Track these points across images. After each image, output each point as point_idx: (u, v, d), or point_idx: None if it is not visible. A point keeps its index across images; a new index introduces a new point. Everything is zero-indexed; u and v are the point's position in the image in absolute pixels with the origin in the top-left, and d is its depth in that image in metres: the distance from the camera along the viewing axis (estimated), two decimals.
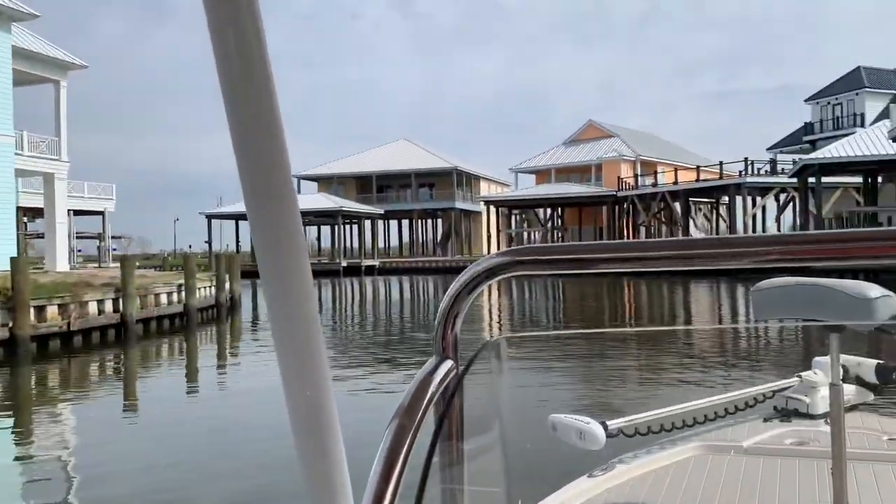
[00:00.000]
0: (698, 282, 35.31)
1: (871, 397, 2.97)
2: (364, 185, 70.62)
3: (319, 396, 0.65)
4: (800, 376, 2.99)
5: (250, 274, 55.02)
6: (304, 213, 58.38)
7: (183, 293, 20.08)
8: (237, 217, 61.63)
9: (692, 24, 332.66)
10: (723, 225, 52.22)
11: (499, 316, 23.23)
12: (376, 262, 59.78)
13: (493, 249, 56.12)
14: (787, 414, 3.01)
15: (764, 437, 2.80)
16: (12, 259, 13.70)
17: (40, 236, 46.20)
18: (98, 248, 38.36)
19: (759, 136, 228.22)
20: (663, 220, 52.59)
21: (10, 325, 13.24)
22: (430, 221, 73.72)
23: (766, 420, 2.99)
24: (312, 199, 60.69)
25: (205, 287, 21.46)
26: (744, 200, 43.50)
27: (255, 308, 29.03)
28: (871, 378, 2.85)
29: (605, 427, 2.22)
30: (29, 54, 30.30)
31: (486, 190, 72.72)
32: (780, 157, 51.06)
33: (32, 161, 31.11)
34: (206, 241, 60.61)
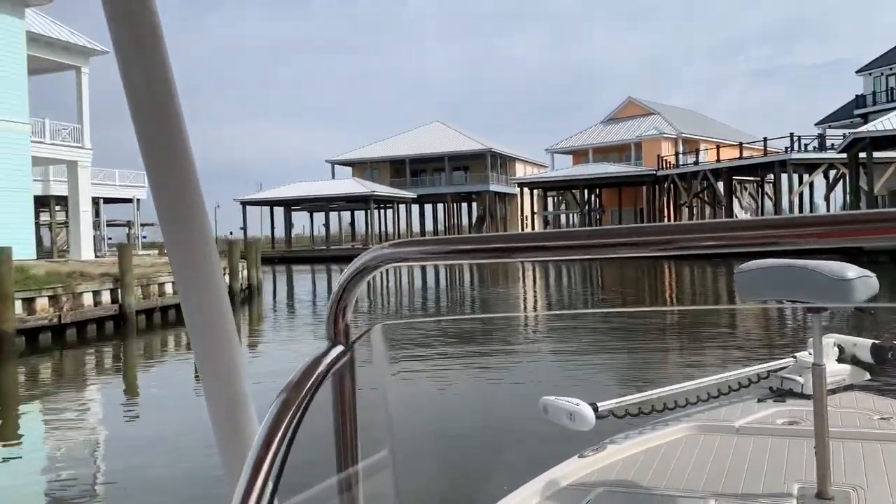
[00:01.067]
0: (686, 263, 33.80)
1: (866, 377, 2.97)
2: (398, 169, 69.69)
3: (233, 385, 0.76)
4: (794, 356, 2.99)
5: (274, 260, 54.83)
6: (335, 199, 57.82)
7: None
8: (272, 203, 61.40)
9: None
10: (769, 203, 49.96)
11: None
12: None
13: None
14: (781, 394, 2.98)
15: (756, 416, 2.79)
16: None
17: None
18: (127, 235, 38.22)
19: (811, 113, 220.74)
20: (706, 199, 50.54)
21: None
22: (465, 205, 72.54)
23: (760, 400, 2.96)
24: (343, 184, 60.10)
25: None
26: (789, 178, 41.38)
27: (275, 295, 28.37)
28: (867, 358, 2.87)
29: (596, 409, 2.25)
30: (49, 41, 29.95)
31: (521, 172, 71.13)
32: (829, 132, 48.58)
33: (55, 149, 30.85)
34: (241, 228, 60.51)
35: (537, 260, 0.93)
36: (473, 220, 72.23)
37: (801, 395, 2.89)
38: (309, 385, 0.85)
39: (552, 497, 2.26)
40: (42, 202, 43.55)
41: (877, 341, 2.89)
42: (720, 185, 46.98)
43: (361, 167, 69.92)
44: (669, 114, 62.63)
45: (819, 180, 44.48)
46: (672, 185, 51.33)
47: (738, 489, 2.24)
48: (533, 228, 59.27)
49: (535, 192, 61.35)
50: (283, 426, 0.79)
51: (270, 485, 0.76)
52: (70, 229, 32.07)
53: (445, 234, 70.12)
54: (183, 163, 0.77)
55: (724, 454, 2.50)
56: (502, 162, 69.41)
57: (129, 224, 41.94)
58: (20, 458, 7.78)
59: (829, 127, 53.98)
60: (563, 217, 63.45)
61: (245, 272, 23.67)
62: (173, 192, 0.77)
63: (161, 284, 17.54)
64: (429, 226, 74.29)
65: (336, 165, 71.20)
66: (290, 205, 60.50)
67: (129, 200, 47.08)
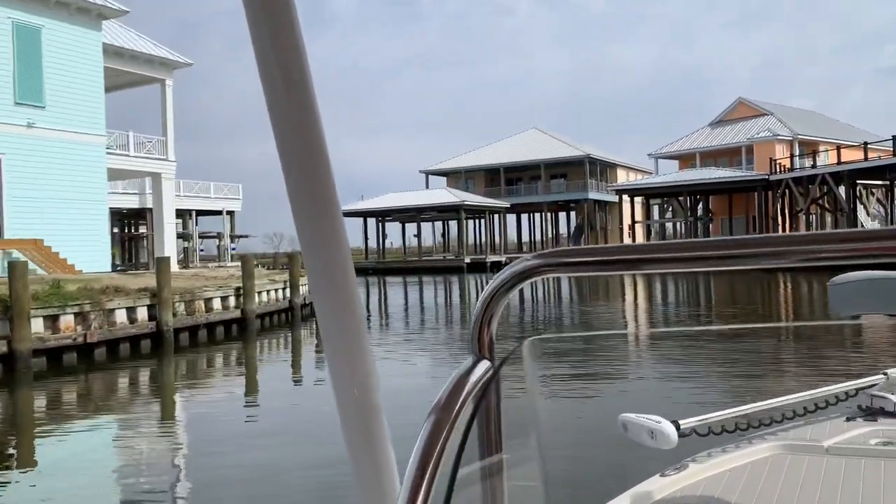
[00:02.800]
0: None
1: None
2: (493, 178, 68.03)
3: (367, 395, 0.76)
4: (885, 373, 2.89)
5: (368, 271, 54.53)
6: (426, 209, 56.74)
7: (241, 297, 18.62)
8: (364, 214, 61.07)
9: None
10: None
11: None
12: (502, 258, 57.00)
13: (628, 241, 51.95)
14: (871, 413, 2.81)
15: (847, 436, 2.62)
16: (10, 263, 12.33)
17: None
18: (218, 247, 38.37)
19: None
20: (826, 206, 46.05)
21: (9, 337, 11.80)
22: (563, 214, 69.97)
23: (848, 419, 2.78)
24: (435, 193, 58.95)
25: (274, 290, 19.68)
26: None
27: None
28: None
29: (678, 426, 2.17)
30: (134, 54, 30.18)
31: (624, 178, 67.88)
32: None
33: (139, 161, 31.05)
34: None
35: (710, 270, 0.89)
36: (571, 229, 69.56)
37: (894, 415, 2.74)
38: (457, 405, 0.84)
39: None
40: (139, 214, 44.65)
41: None
42: (842, 191, 42.61)
43: (455, 177, 68.72)
44: (784, 114, 58.01)
45: None
46: (787, 191, 47.04)
47: None
48: (634, 239, 56.10)
49: (639, 200, 58.06)
50: (437, 449, 0.79)
51: None
52: (155, 241, 32.16)
53: (543, 244, 67.86)
54: (318, 159, 0.76)
55: (814, 475, 2.39)
56: (602, 169, 66.46)
57: (219, 236, 42.19)
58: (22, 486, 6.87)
59: None
60: (668, 226, 59.86)
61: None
62: (309, 193, 0.76)
63: (208, 300, 16.57)
64: (525, 236, 72.18)
65: (431, 176, 70.34)
66: (381, 216, 59.95)
67: (219, 212, 47.68)
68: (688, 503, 2.22)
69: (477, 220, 61.63)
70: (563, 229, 70.93)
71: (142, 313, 14.52)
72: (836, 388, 2.79)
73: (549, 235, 67.95)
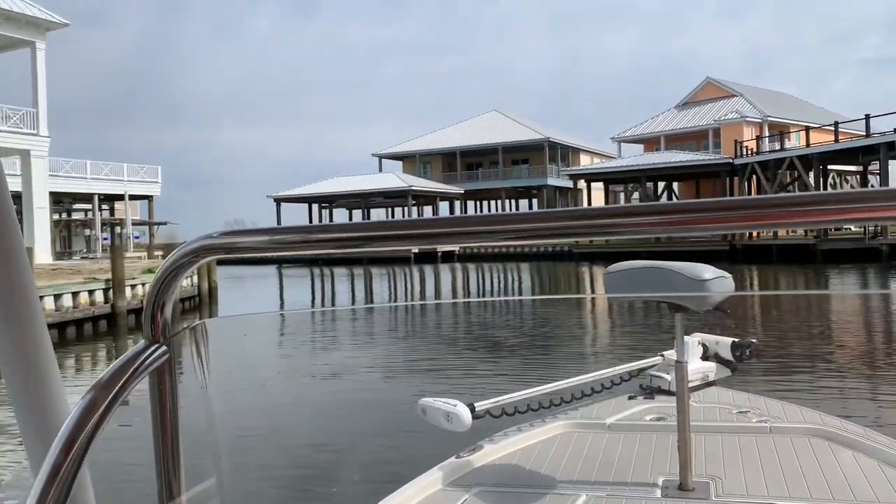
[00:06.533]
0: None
1: (727, 373, 3.05)
2: (450, 162, 64.06)
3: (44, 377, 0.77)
4: (662, 355, 3.11)
5: (318, 261, 50.76)
6: (371, 194, 52.78)
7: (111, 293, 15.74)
8: (308, 200, 57.02)
9: None
10: None
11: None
12: (456, 248, 53.21)
13: None
14: (650, 391, 3.12)
15: (627, 413, 2.94)
16: None
17: (73, 223, 42.93)
18: (119, 235, 34.28)
19: None
20: (796, 192, 42.55)
21: None
22: (524, 201, 66.18)
23: (630, 398, 3.10)
24: (381, 178, 54.96)
25: (87, 291, 15.67)
26: None
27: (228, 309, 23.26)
28: (728, 355, 3.00)
29: (473, 409, 2.31)
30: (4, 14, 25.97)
31: (587, 163, 64.20)
32: None
33: (3, 137, 26.85)
34: None
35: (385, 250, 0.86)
36: None
37: (669, 392, 2.99)
38: (118, 386, 0.79)
39: (428, 499, 2.30)
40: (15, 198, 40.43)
41: (736, 339, 3.01)
42: (811, 177, 39.14)
43: (411, 161, 64.74)
44: (753, 95, 54.50)
45: None
46: (753, 176, 43.48)
47: (608, 483, 2.35)
48: None
49: (600, 186, 54.36)
50: (88, 429, 0.75)
51: (64, 490, 0.73)
52: (25, 228, 27.98)
53: None
54: None
55: (596, 450, 2.63)
56: (563, 153, 62.69)
57: (121, 223, 38.02)
58: None
59: None
60: None
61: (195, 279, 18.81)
62: None
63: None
64: None
65: (387, 160, 66.31)
66: (323, 201, 55.92)
67: (143, 198, 43.54)
68: (481, 482, 2.36)
69: (426, 208, 57.66)
70: None
71: None
72: (621, 369, 2.99)
73: None
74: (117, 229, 36.61)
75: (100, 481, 0.83)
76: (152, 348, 0.85)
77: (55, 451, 0.73)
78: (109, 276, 16.08)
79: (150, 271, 18.77)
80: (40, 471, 0.72)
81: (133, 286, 17.15)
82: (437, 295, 28.36)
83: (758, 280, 29.96)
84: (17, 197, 36.51)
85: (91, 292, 15.62)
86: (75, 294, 15.08)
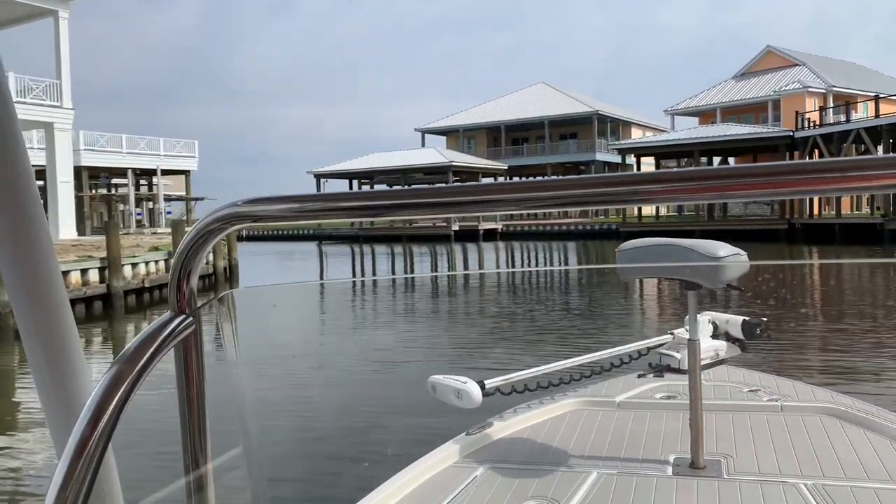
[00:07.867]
0: None
1: (738, 352, 3.06)
2: (495, 137, 62.19)
3: (75, 390, 0.76)
4: (672, 333, 3.12)
5: (359, 239, 49.83)
6: (411, 170, 51.36)
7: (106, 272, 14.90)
8: (349, 176, 55.99)
9: None
10: None
11: None
12: (498, 226, 51.58)
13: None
14: (660, 369, 3.11)
15: (636, 391, 2.91)
16: None
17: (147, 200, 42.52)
18: (150, 210, 33.68)
19: None
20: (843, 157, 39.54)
21: None
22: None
23: (640, 376, 3.09)
24: (420, 153, 53.46)
25: (80, 269, 14.69)
26: None
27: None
28: (738, 334, 3.00)
29: (483, 386, 2.32)
30: None
31: (638, 137, 61.53)
32: None
33: (26, 109, 26.22)
34: None
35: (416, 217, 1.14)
36: None
37: (678, 370, 3.01)
38: (145, 358, 0.78)
39: (439, 475, 2.29)
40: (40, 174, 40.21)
41: (747, 318, 2.99)
42: (880, 151, 36.23)
43: (455, 136, 63.08)
44: (817, 64, 51.08)
45: None
46: (815, 150, 40.63)
47: (619, 460, 2.33)
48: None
49: (652, 162, 51.86)
50: (115, 403, 0.74)
51: (93, 466, 0.72)
52: (49, 203, 27.44)
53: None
54: (12, 149, 0.74)
55: (606, 428, 2.59)
56: (613, 127, 60.19)
57: (153, 198, 37.45)
58: None
59: None
60: None
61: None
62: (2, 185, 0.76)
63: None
64: None
65: (429, 135, 64.79)
66: (364, 177, 54.77)
67: (179, 172, 42.99)
68: (491, 459, 2.35)
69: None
70: None
71: None
72: (631, 347, 3.00)
73: None
74: (148, 204, 36.02)
75: (122, 454, 0.83)
76: (178, 319, 0.83)
77: (81, 427, 0.72)
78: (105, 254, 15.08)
79: (155, 249, 17.78)
80: (66, 447, 0.71)
81: (135, 265, 16.16)
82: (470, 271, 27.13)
83: (818, 264, 27.88)
84: (41, 171, 36.33)
85: (84, 271, 14.65)
86: (65, 273, 14.13)
